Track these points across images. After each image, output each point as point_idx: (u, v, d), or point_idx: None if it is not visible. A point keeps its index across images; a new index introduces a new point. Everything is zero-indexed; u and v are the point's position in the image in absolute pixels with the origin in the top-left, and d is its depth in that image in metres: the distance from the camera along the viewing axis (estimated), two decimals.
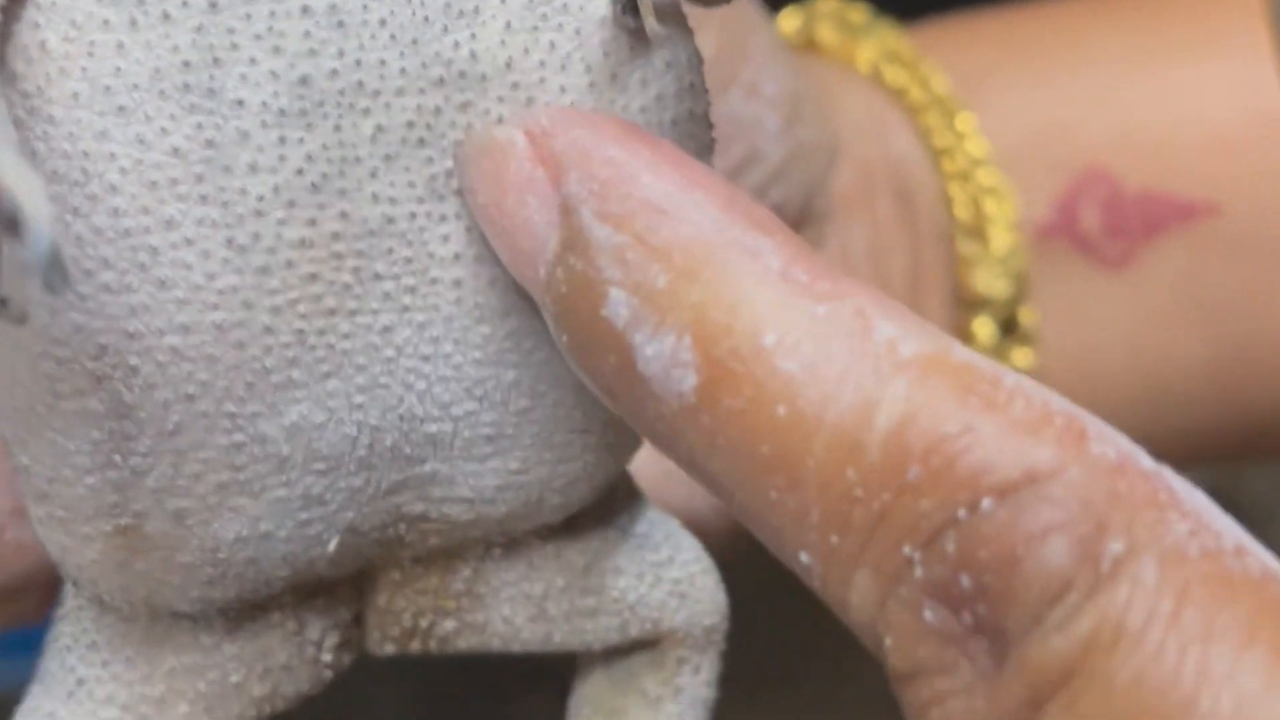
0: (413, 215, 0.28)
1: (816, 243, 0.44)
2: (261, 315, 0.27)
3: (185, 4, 0.26)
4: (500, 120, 0.28)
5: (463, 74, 0.27)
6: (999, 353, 0.46)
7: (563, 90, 0.28)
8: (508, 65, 0.28)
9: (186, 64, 0.26)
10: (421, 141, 0.27)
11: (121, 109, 0.26)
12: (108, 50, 0.26)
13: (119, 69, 0.26)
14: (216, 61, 0.26)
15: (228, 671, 0.30)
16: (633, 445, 0.31)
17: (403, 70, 0.27)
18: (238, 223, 0.27)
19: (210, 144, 0.26)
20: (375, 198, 0.27)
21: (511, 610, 0.32)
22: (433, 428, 0.29)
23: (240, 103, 0.26)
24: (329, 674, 0.32)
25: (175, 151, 0.26)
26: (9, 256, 0.23)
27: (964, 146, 0.46)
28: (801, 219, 0.44)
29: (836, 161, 0.45)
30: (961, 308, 0.46)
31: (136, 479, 0.28)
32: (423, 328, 0.28)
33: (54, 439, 0.28)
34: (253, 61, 0.26)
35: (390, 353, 0.28)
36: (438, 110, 0.27)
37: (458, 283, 0.28)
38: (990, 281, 0.46)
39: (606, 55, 0.28)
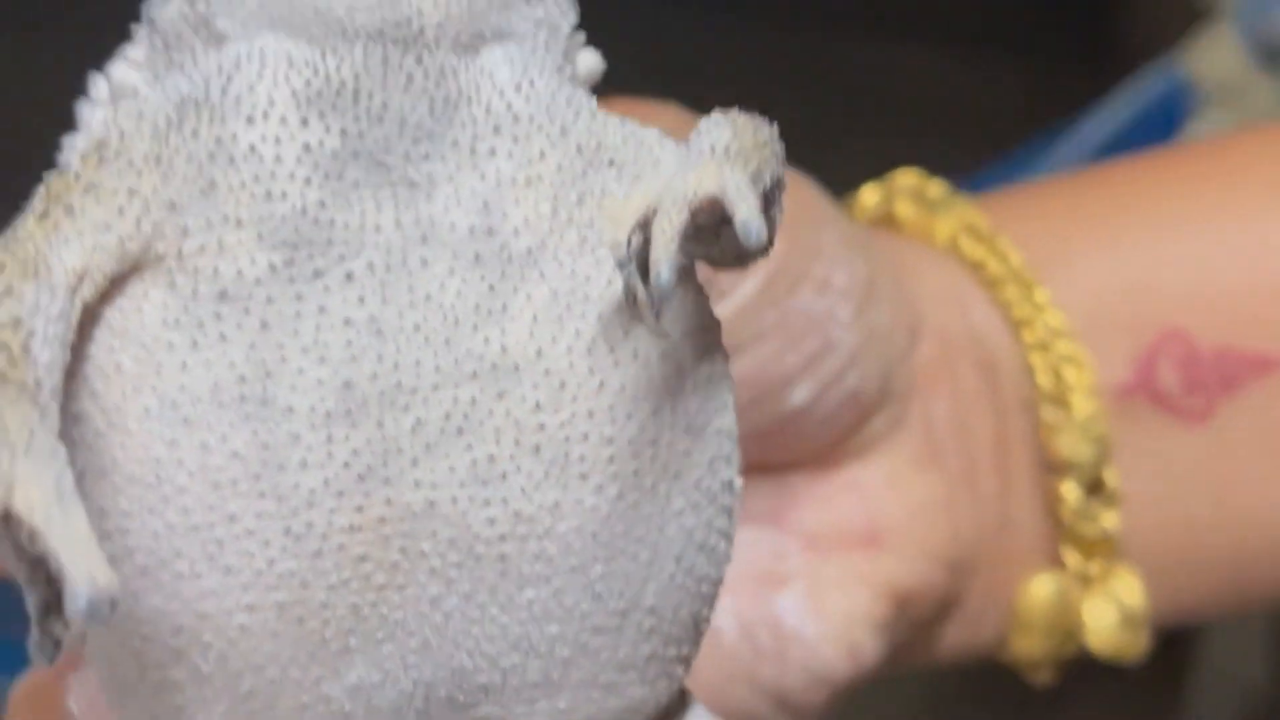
0: (454, 499, 0.30)
1: (899, 418, 0.46)
2: (318, 593, 0.30)
3: (240, 326, 0.29)
4: (538, 405, 0.30)
5: (495, 366, 0.30)
6: (1087, 515, 0.48)
7: (591, 371, 0.31)
8: (538, 354, 0.30)
9: (242, 379, 0.29)
10: (460, 430, 0.30)
11: (186, 420, 0.29)
12: (173, 370, 0.29)
13: (183, 386, 0.29)
14: (268, 374, 0.29)
15: None
16: (679, 673, 0.34)
17: (437, 368, 0.30)
18: (292, 514, 0.30)
19: (265, 446, 0.29)
20: (418, 484, 0.30)
21: None
22: (483, 678, 0.32)
23: (290, 409, 0.29)
24: None
25: (234, 455, 0.29)
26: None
27: (1043, 318, 0.48)
28: (881, 398, 0.46)
29: (918, 334, 0.47)
30: (1049, 472, 0.48)
31: None
32: (468, 596, 0.31)
33: (144, 703, 0.31)
34: (300, 371, 0.29)
35: (439, 619, 0.31)
36: (474, 401, 0.30)
37: (502, 558, 0.31)
38: (1074, 446, 0.48)
39: (627, 335, 0.31)
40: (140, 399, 0.29)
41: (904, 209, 0.49)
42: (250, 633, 0.30)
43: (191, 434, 0.29)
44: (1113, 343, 0.48)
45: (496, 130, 0.31)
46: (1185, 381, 0.48)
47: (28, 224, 0.29)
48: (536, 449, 0.31)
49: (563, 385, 0.31)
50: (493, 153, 0.31)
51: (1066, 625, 0.48)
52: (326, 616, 0.30)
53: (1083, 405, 0.48)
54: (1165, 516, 0.49)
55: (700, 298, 0.32)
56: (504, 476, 0.31)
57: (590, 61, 0.33)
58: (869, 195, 0.50)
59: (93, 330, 0.30)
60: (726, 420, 0.33)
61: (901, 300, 0.46)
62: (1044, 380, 0.48)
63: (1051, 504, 0.48)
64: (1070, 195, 0.50)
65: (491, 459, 0.30)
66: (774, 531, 0.46)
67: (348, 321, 0.30)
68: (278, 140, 0.29)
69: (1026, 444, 0.48)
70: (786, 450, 0.45)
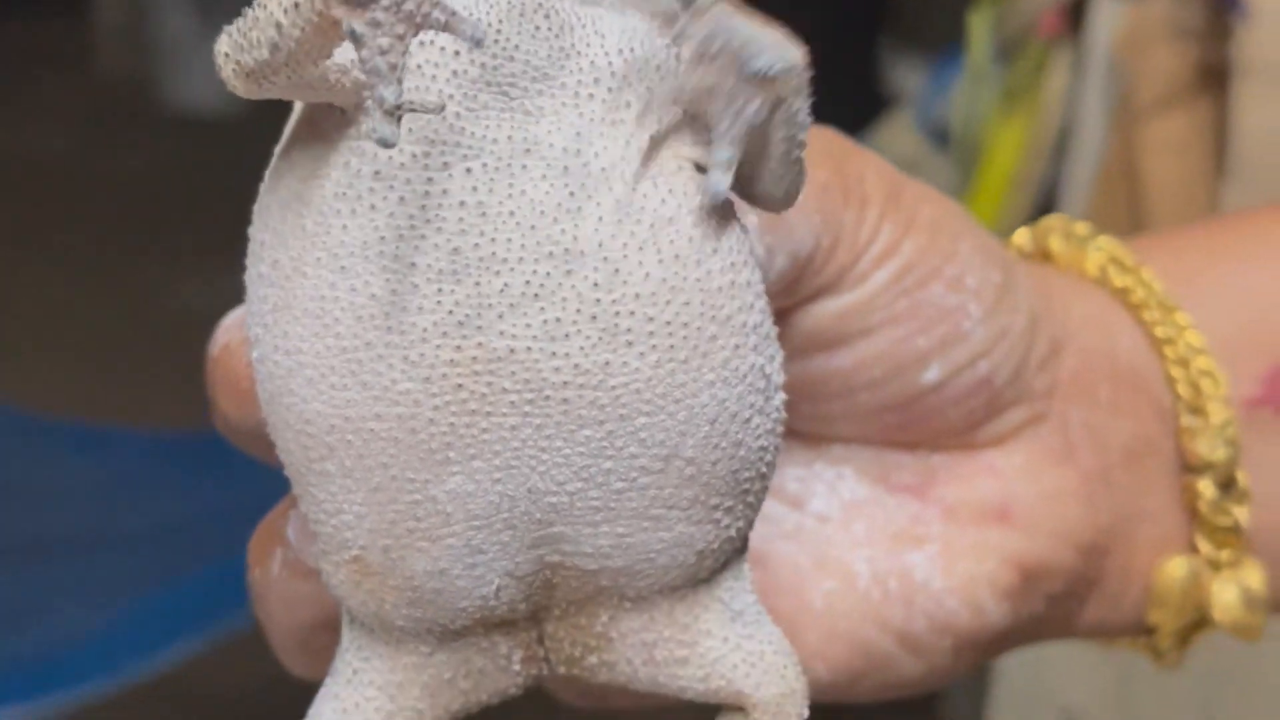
0: (529, 349, 0.40)
1: (1037, 416, 0.54)
2: (427, 411, 0.41)
3: (385, 198, 0.40)
4: (597, 284, 0.40)
5: (567, 250, 0.40)
6: (1221, 508, 0.54)
7: (640, 264, 0.41)
8: (599, 245, 0.40)
9: (382, 239, 0.40)
10: (536, 296, 0.40)
11: (343, 269, 0.40)
12: (337, 230, 0.40)
13: (343, 242, 0.40)
14: (400, 237, 0.40)
15: (441, 670, 0.44)
16: (725, 522, 0.43)
17: (523, 246, 0.40)
18: (410, 346, 0.40)
19: (394, 292, 0.40)
20: (502, 334, 0.40)
21: (632, 653, 0.43)
22: (552, 499, 0.41)
23: (414, 265, 0.40)
24: (520, 679, 0.44)
25: (373, 296, 0.40)
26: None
27: (1184, 337, 0.55)
28: (1016, 394, 0.53)
29: (1062, 348, 0.54)
30: (1186, 472, 0.55)
31: (359, 521, 0.42)
32: (539, 428, 0.41)
33: (312, 492, 0.42)
34: (423, 237, 0.40)
35: (516, 444, 0.41)
36: (549, 274, 0.40)
37: (565, 400, 0.41)
38: (1211, 448, 0.54)
39: (671, 242, 0.41)
40: (315, 251, 0.41)
41: (1056, 245, 0.57)
42: (379, 436, 0.41)
43: (345, 279, 0.40)
44: (1242, 362, 0.55)
45: (596, 81, 0.41)
46: None
47: None
48: (594, 318, 0.40)
49: (617, 271, 0.41)
50: (591, 97, 0.41)
51: (1196, 602, 0.55)
52: (433, 430, 0.41)
53: (1218, 412, 0.54)
54: None
55: (738, 233, 0.41)
56: (568, 336, 0.40)
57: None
58: (1020, 237, 0.58)
59: (289, 200, 0.41)
60: (752, 318, 0.42)
61: (1049, 316, 0.54)
62: (1184, 391, 0.55)
63: (1188, 499, 0.55)
64: (1206, 235, 0.57)
65: (559, 321, 0.40)
66: (916, 502, 0.54)
67: (462, 204, 0.40)
68: (437, 64, 0.40)
69: (1168, 448, 0.55)
70: (927, 427, 0.53)
